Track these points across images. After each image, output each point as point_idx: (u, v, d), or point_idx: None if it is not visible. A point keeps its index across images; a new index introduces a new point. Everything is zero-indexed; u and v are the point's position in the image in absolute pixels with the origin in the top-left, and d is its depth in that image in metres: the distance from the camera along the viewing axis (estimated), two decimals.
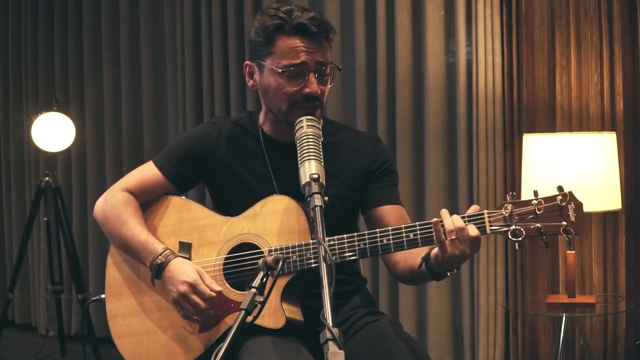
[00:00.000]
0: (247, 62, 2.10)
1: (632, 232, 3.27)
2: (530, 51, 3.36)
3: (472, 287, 3.52)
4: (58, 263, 4.33)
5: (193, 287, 1.94)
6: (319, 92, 1.99)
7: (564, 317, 2.96)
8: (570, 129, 3.27)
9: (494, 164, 3.40)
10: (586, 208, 2.88)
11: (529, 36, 3.36)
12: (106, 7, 4.57)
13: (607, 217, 3.24)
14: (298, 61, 1.97)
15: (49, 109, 4.14)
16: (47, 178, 4.17)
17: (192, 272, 1.96)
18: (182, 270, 1.97)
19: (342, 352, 1.42)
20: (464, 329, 3.57)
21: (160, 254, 2.01)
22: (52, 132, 4.13)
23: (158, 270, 2.00)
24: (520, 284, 3.41)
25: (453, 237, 1.81)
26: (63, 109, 4.21)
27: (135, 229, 2.06)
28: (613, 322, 3.27)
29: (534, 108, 3.36)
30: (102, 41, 4.60)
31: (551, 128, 3.32)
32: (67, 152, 4.57)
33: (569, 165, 2.89)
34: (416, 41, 3.61)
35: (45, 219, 4.35)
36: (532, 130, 3.34)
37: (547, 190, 1.86)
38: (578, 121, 3.26)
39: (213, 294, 1.95)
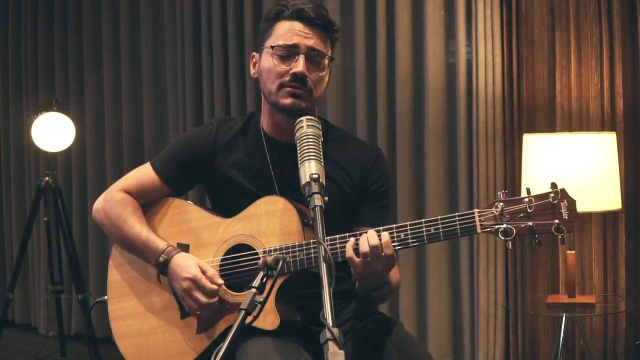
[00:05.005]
0: (253, 53, 2.17)
1: (632, 232, 3.26)
2: (530, 51, 3.36)
3: (472, 287, 3.51)
4: (58, 263, 4.33)
5: (195, 282, 1.96)
6: (306, 73, 2.03)
7: (564, 317, 2.95)
8: (570, 129, 3.26)
9: (494, 164, 3.40)
10: (586, 208, 2.91)
11: (529, 36, 3.36)
12: (106, 7, 4.57)
13: (607, 217, 3.24)
14: (290, 43, 2.04)
15: (49, 109, 4.14)
16: (47, 178, 4.17)
17: (193, 266, 1.98)
18: (184, 266, 1.99)
19: (342, 352, 1.42)
20: (464, 329, 3.56)
21: (162, 252, 2.03)
22: (52, 132, 4.13)
23: (162, 268, 2.03)
24: (520, 284, 3.41)
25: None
26: (63, 109, 4.21)
27: (135, 227, 2.09)
28: (613, 322, 3.27)
29: (534, 108, 3.36)
30: (102, 41, 4.60)
31: (551, 128, 3.31)
32: (67, 152, 4.57)
33: (569, 165, 2.88)
34: (416, 41, 3.61)
35: (45, 219, 4.35)
36: (532, 130, 3.33)
37: (546, 190, 1.85)
38: (578, 121, 3.26)
39: (215, 287, 1.96)
